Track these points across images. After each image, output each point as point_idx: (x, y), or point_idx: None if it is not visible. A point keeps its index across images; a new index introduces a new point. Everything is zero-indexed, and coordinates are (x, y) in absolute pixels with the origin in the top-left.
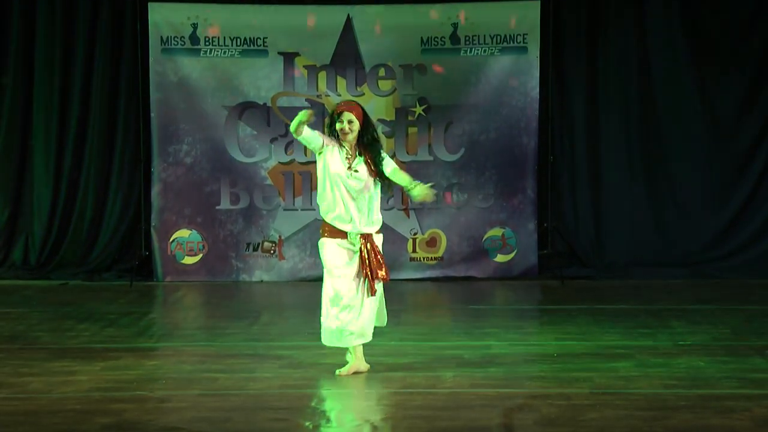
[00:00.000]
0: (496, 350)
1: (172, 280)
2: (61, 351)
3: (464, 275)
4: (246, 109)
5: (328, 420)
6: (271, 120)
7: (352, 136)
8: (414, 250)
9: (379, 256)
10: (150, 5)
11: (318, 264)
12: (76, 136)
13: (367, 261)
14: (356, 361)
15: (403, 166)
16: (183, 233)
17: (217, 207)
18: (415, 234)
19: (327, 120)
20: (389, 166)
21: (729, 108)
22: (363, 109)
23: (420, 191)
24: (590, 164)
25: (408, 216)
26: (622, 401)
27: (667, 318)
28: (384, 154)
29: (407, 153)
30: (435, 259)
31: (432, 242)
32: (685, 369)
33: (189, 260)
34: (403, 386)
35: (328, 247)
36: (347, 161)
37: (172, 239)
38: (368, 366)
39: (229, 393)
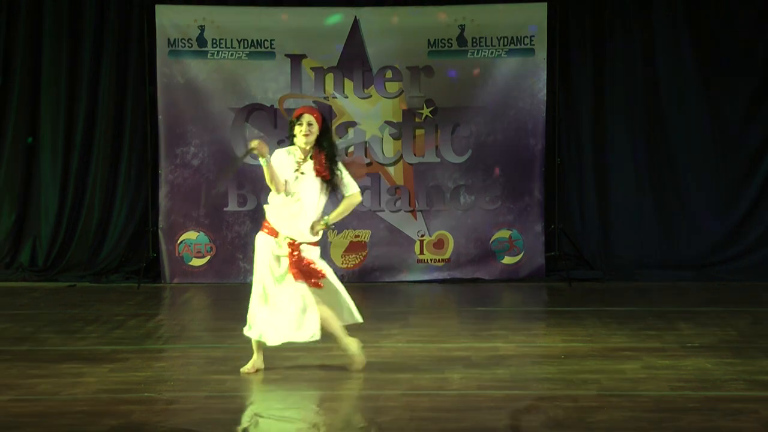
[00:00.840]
0: (504, 352)
1: (179, 282)
2: (69, 353)
3: (471, 277)
4: (253, 111)
5: (336, 421)
6: (278, 122)
7: (311, 138)
8: (421, 252)
9: (306, 266)
10: (157, 7)
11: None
12: (83, 139)
13: (295, 268)
14: (255, 358)
15: (410, 168)
16: (191, 235)
17: (225, 209)
18: (422, 236)
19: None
20: (349, 188)
21: (736, 110)
22: (323, 115)
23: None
24: (597, 166)
25: (415, 218)
26: (630, 403)
27: (674, 320)
28: (342, 169)
29: (414, 155)
30: (442, 260)
31: (439, 244)
32: (692, 371)
33: (197, 262)
34: (410, 388)
35: (259, 245)
36: (297, 164)
37: (179, 241)
38: (264, 365)
39: (237, 395)
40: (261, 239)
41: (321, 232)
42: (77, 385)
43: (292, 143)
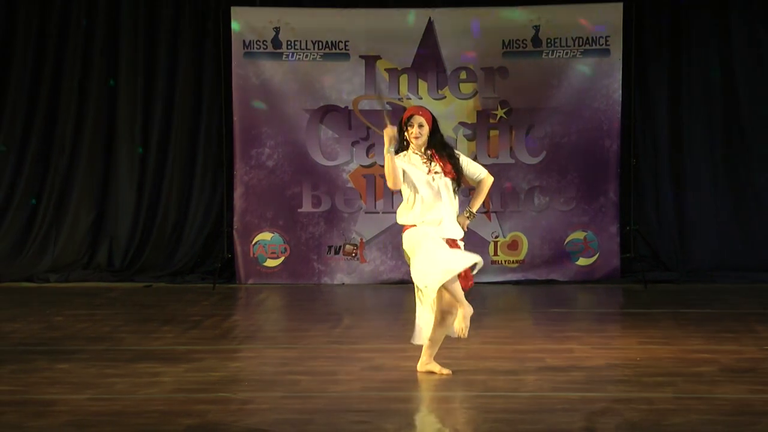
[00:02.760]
0: (578, 354)
1: (254, 283)
2: (146, 352)
3: (546, 278)
4: (327, 112)
5: (410, 423)
6: (352, 123)
7: (422, 140)
8: (495, 253)
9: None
10: (233, 9)
11: (399, 267)
12: (159, 140)
13: None
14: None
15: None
16: (265, 236)
17: (299, 210)
18: (496, 237)
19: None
20: (478, 173)
21: None
22: (431, 112)
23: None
24: (673, 166)
25: (489, 219)
26: (706, 406)
27: (751, 322)
28: (463, 158)
29: (488, 156)
30: (516, 262)
31: (513, 245)
32: None
33: (271, 263)
34: (484, 389)
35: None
36: (425, 165)
37: (254, 242)
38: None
39: (311, 395)
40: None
41: (467, 226)
42: (153, 384)
43: (402, 147)
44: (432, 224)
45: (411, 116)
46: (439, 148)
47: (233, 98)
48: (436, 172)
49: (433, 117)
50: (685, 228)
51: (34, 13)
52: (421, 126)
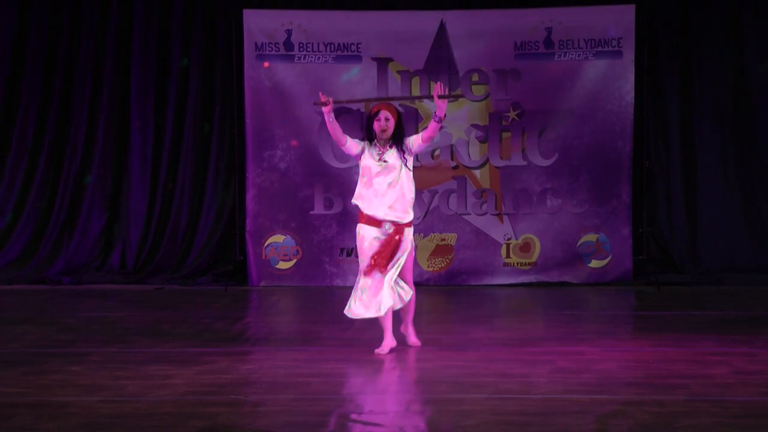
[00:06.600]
0: (590, 356)
1: (266, 285)
2: (157, 355)
3: (558, 281)
4: (339, 114)
5: (421, 425)
6: (364, 125)
7: (388, 134)
8: (508, 256)
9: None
10: (245, 12)
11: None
12: (171, 143)
13: (392, 247)
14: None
15: (497, 171)
16: (277, 238)
17: (311, 212)
18: (509, 239)
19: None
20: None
21: None
22: (398, 111)
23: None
24: (685, 169)
25: (501, 221)
26: (718, 409)
27: (763, 325)
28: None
29: (501, 158)
30: (529, 264)
31: (526, 247)
32: None
33: (283, 265)
34: (495, 391)
35: (363, 234)
36: (378, 155)
37: (266, 244)
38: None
39: (322, 397)
40: (363, 229)
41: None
42: (164, 387)
43: (370, 137)
44: (379, 208)
45: (379, 111)
46: (400, 142)
47: (245, 100)
48: (384, 161)
49: (399, 115)
50: (697, 230)
51: (46, 18)
52: (387, 119)
